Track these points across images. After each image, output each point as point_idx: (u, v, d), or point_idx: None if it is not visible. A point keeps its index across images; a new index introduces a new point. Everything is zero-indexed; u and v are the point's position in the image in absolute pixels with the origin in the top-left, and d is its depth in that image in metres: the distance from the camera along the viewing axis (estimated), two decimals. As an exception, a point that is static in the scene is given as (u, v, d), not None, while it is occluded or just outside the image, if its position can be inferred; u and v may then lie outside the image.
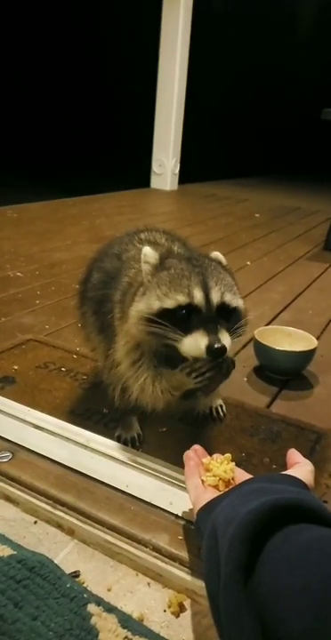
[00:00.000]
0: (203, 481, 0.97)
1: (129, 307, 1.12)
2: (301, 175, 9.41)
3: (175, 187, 6.74)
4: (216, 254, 1.21)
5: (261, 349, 1.83)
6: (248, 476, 0.93)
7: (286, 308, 2.63)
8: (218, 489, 0.95)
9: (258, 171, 9.22)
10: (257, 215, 5.41)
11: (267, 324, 2.31)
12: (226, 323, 1.05)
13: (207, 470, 0.99)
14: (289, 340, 1.91)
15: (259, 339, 1.83)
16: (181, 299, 1.03)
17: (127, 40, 8.25)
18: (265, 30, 9.27)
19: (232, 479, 0.97)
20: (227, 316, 1.06)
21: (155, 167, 6.61)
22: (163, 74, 6.19)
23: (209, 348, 0.98)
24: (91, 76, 8.50)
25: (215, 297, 1.04)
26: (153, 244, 1.28)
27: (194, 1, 6.01)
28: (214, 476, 0.97)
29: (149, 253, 1.12)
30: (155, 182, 6.67)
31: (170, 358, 1.11)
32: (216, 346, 0.98)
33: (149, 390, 1.14)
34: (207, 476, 0.98)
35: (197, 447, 1.09)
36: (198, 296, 1.03)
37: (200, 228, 4.48)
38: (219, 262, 1.18)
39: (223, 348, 0.98)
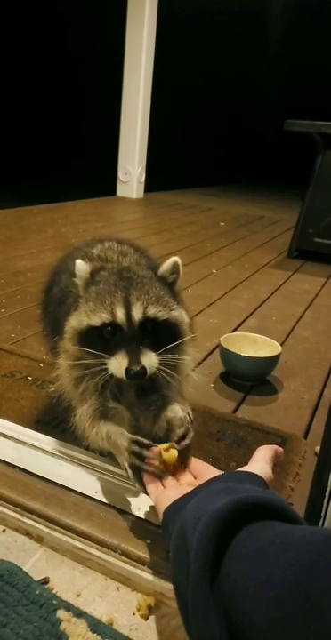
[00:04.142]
0: (160, 470, 0.99)
1: (67, 321, 1.12)
2: (264, 185, 9.57)
3: (141, 195, 6.77)
4: (173, 259, 1.15)
5: (227, 356, 1.86)
6: (215, 472, 0.95)
7: (251, 315, 2.68)
8: (163, 469, 0.98)
9: (223, 180, 9.34)
10: (222, 224, 5.48)
11: (232, 331, 2.35)
12: (154, 340, 1.04)
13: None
14: (254, 346, 1.94)
15: (225, 345, 1.86)
16: (105, 316, 1.03)
17: (92, 50, 8.25)
18: (230, 40, 9.42)
19: (175, 464, 1.00)
20: (155, 332, 1.05)
21: (121, 175, 6.64)
22: (128, 83, 6.23)
23: (128, 372, 0.98)
24: (56, 84, 8.46)
25: (137, 313, 1.02)
26: (104, 261, 1.24)
27: (158, 11, 6.08)
28: (160, 463, 0.99)
29: (80, 267, 1.10)
30: (121, 190, 6.69)
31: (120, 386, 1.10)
32: (134, 369, 0.98)
33: (87, 424, 1.11)
34: (157, 463, 1.00)
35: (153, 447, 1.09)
36: (120, 314, 1.02)
37: (166, 237, 4.52)
38: (155, 272, 1.14)
39: (141, 371, 0.98)
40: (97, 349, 1.04)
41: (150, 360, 1.01)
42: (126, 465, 1.03)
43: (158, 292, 1.08)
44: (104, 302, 1.04)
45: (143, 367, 0.99)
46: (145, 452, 1.01)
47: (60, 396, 1.20)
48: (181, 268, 1.15)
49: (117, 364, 1.00)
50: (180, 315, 1.11)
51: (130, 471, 1.03)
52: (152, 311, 1.04)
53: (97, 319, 1.04)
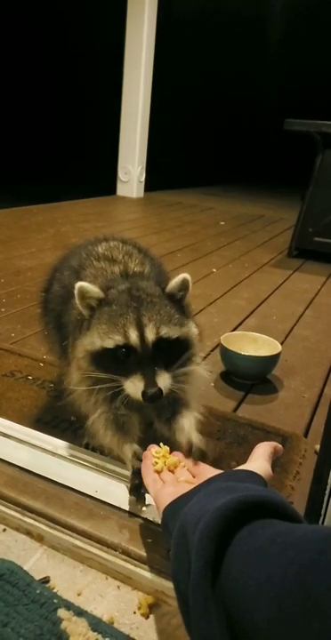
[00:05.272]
0: (157, 471, 1.00)
1: (78, 338, 1.12)
2: (264, 184, 9.57)
3: (141, 194, 6.77)
4: (182, 276, 1.14)
5: (227, 355, 1.86)
6: (214, 471, 0.95)
7: (251, 314, 2.68)
8: (162, 472, 0.99)
9: (223, 179, 9.33)
10: (222, 223, 5.48)
11: (233, 330, 2.35)
12: (167, 358, 1.05)
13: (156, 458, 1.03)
14: (254, 345, 1.95)
15: (225, 344, 1.86)
16: (118, 339, 1.04)
17: (92, 49, 8.25)
18: (230, 40, 9.41)
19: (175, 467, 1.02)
20: (168, 350, 1.06)
21: (121, 175, 6.63)
22: (128, 82, 6.23)
23: (144, 395, 1.00)
24: (56, 84, 8.46)
25: (150, 335, 1.03)
26: (110, 260, 1.26)
27: (158, 10, 6.07)
28: (159, 459, 1.01)
29: (89, 289, 1.09)
30: (121, 190, 6.69)
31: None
32: (150, 392, 0.99)
33: (100, 431, 1.13)
34: (155, 461, 1.01)
35: (153, 446, 1.10)
36: (133, 336, 1.03)
37: (166, 236, 4.51)
38: (163, 288, 1.14)
39: (158, 394, 1.00)
40: (111, 370, 1.05)
41: (166, 381, 1.03)
42: (130, 478, 1.08)
43: (169, 310, 1.09)
44: (117, 324, 1.05)
45: (159, 389, 1.00)
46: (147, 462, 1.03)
47: (73, 406, 1.21)
48: (190, 284, 1.15)
49: (134, 387, 1.02)
50: (190, 330, 1.13)
51: (130, 484, 1.08)
52: (165, 331, 1.05)
53: (110, 341, 1.05)
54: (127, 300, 1.07)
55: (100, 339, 1.06)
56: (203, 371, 1.19)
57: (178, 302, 1.14)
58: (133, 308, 1.06)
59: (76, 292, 1.09)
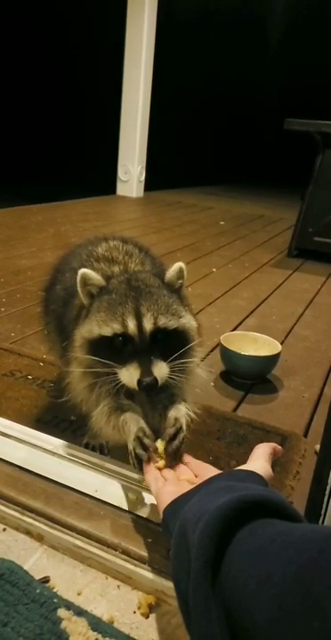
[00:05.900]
0: (159, 468, 1.00)
1: (76, 327, 1.12)
2: (264, 184, 9.56)
3: (141, 194, 6.77)
4: (178, 265, 1.15)
5: (227, 354, 1.86)
6: (215, 471, 0.96)
7: (251, 314, 2.68)
8: (163, 469, 0.99)
9: (223, 179, 9.33)
10: (222, 223, 5.48)
11: (233, 330, 2.35)
12: (164, 348, 1.05)
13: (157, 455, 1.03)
14: (254, 345, 1.95)
15: (225, 344, 1.86)
16: (116, 327, 1.04)
17: (92, 48, 8.25)
18: (230, 40, 9.41)
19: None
20: (166, 340, 1.06)
21: (120, 174, 6.63)
22: (128, 81, 6.23)
23: (140, 383, 1.00)
24: (55, 83, 8.46)
25: (148, 324, 1.03)
26: (110, 261, 1.26)
27: (158, 9, 6.07)
28: (161, 457, 1.01)
29: (92, 276, 1.10)
30: (121, 189, 6.69)
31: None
32: (146, 381, 0.99)
33: (103, 422, 1.13)
34: (157, 459, 1.01)
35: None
36: (131, 325, 1.03)
37: (166, 236, 4.51)
38: (162, 279, 1.14)
39: (153, 383, 1.00)
40: (107, 358, 1.05)
41: (161, 370, 1.03)
42: (131, 449, 1.05)
43: (167, 300, 1.09)
44: (115, 313, 1.05)
45: (155, 378, 1.00)
46: (146, 440, 1.03)
47: (74, 404, 1.21)
48: (185, 273, 1.15)
49: (129, 375, 1.02)
50: (188, 321, 1.12)
51: (133, 456, 1.05)
52: (163, 321, 1.05)
53: (108, 329, 1.04)
54: (126, 290, 1.08)
55: (98, 326, 1.06)
56: (201, 371, 1.19)
57: (176, 292, 1.14)
58: (131, 298, 1.06)
59: (78, 278, 1.09)
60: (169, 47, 6.96)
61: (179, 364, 1.07)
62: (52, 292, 1.44)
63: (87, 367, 1.10)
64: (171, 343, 1.07)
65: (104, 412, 1.11)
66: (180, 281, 1.15)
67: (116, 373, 1.04)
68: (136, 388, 1.01)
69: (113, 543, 1.04)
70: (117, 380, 1.04)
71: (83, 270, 1.10)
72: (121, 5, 5.96)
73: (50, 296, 1.45)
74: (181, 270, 1.14)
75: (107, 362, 1.05)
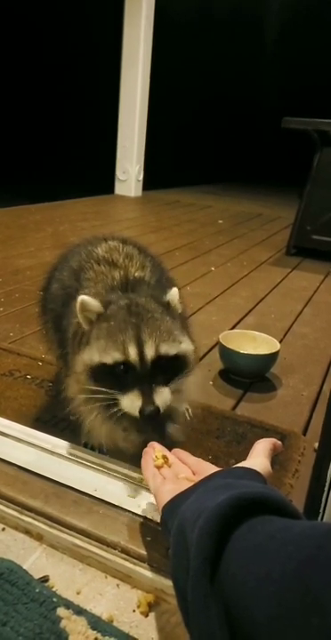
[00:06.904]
0: (157, 466, 1.00)
1: (77, 352, 1.13)
2: (262, 182, 9.56)
3: (139, 193, 6.76)
4: (173, 292, 1.16)
5: (226, 353, 1.86)
6: (214, 468, 0.96)
7: (249, 312, 2.68)
8: (161, 467, 0.99)
9: (221, 178, 9.33)
10: (220, 221, 5.48)
11: (231, 329, 2.35)
12: (164, 374, 1.06)
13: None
14: (253, 343, 1.94)
15: (224, 343, 1.86)
16: (117, 356, 1.04)
17: (90, 48, 8.24)
18: (228, 38, 9.40)
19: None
20: (166, 366, 1.07)
21: (119, 174, 6.63)
22: (126, 80, 6.23)
23: (142, 412, 1.00)
24: (54, 83, 8.44)
25: (149, 352, 1.04)
26: (110, 264, 1.26)
27: (156, 8, 6.07)
28: (158, 457, 1.01)
29: (91, 303, 1.10)
30: (119, 189, 6.68)
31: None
32: (147, 410, 1.00)
33: (97, 429, 1.14)
34: (155, 457, 1.01)
35: (154, 444, 1.09)
36: (132, 353, 1.03)
37: (164, 235, 4.51)
38: (162, 302, 1.15)
39: (156, 411, 1.00)
40: (108, 385, 1.05)
41: (163, 396, 1.04)
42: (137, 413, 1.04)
43: (168, 325, 1.10)
44: (116, 340, 1.05)
45: (157, 407, 1.01)
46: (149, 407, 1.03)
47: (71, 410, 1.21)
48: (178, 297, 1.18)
49: (131, 404, 1.02)
50: (188, 347, 1.13)
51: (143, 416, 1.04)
52: (164, 348, 1.06)
53: (109, 358, 1.05)
54: (127, 316, 1.07)
55: (98, 354, 1.06)
56: (195, 376, 1.20)
57: (176, 315, 1.16)
58: (132, 325, 1.06)
59: (77, 305, 1.09)
60: (167, 46, 6.94)
61: (176, 387, 1.09)
62: (50, 291, 1.44)
63: (88, 393, 1.10)
64: (171, 368, 1.08)
65: (98, 419, 1.13)
66: (179, 304, 1.16)
67: (117, 399, 1.05)
68: (138, 416, 1.01)
69: (112, 542, 1.04)
70: (118, 407, 1.05)
71: (81, 297, 1.10)
72: (119, 4, 5.96)
73: (48, 295, 1.45)
74: (177, 294, 1.16)
75: (107, 390, 1.05)
